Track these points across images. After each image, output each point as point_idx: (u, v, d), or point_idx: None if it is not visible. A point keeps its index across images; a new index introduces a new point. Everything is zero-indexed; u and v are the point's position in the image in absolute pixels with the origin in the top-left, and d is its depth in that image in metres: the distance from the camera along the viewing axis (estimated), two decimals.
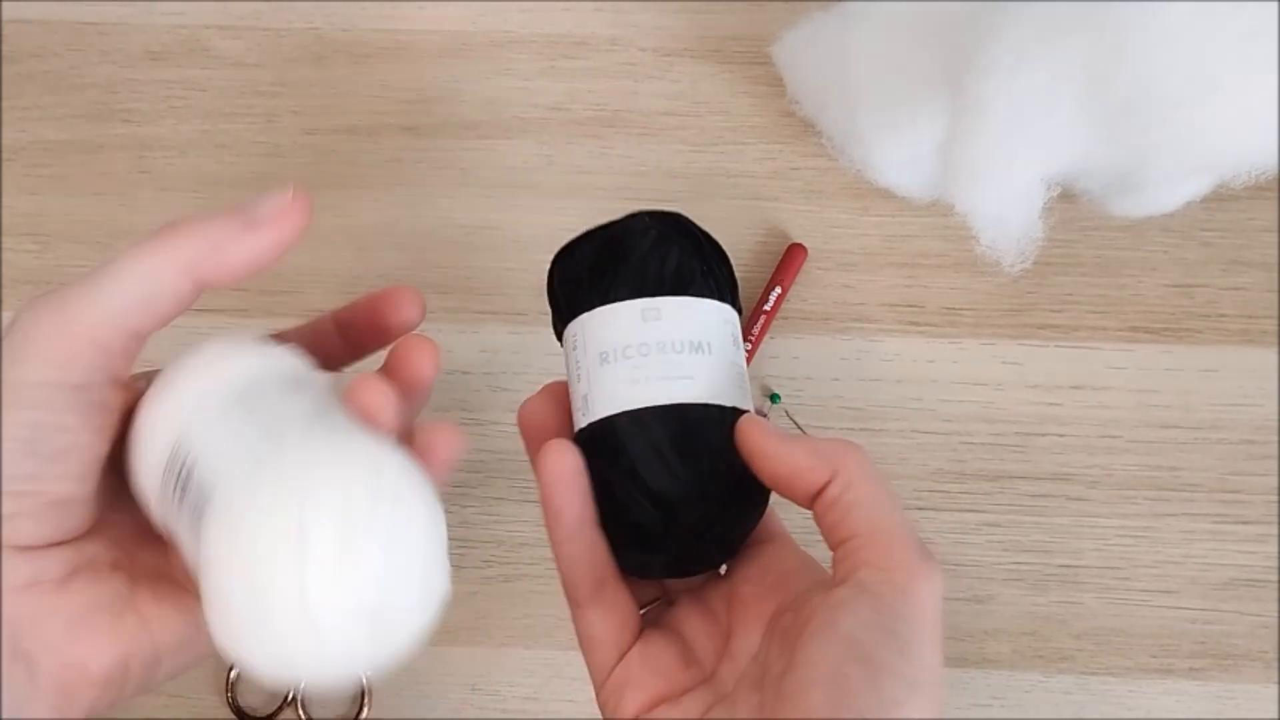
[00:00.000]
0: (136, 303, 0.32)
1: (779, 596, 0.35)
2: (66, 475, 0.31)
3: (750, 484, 0.36)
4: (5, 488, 0.30)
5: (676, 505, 0.35)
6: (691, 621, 0.37)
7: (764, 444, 0.35)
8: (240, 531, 0.27)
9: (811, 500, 0.34)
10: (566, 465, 0.34)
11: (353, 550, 0.26)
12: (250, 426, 0.30)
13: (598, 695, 0.37)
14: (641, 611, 0.38)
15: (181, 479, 0.30)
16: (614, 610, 0.36)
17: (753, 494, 0.37)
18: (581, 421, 0.37)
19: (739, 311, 0.40)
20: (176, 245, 0.32)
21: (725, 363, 0.37)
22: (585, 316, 0.37)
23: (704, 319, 0.37)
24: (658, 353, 0.36)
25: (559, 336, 0.39)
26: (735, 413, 0.36)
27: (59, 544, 0.31)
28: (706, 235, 0.40)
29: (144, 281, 0.32)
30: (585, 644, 0.37)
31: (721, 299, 0.38)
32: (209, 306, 0.53)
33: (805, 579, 0.36)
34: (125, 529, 0.34)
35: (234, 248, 0.33)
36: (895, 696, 0.30)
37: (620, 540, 0.36)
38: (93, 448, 0.31)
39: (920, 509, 0.51)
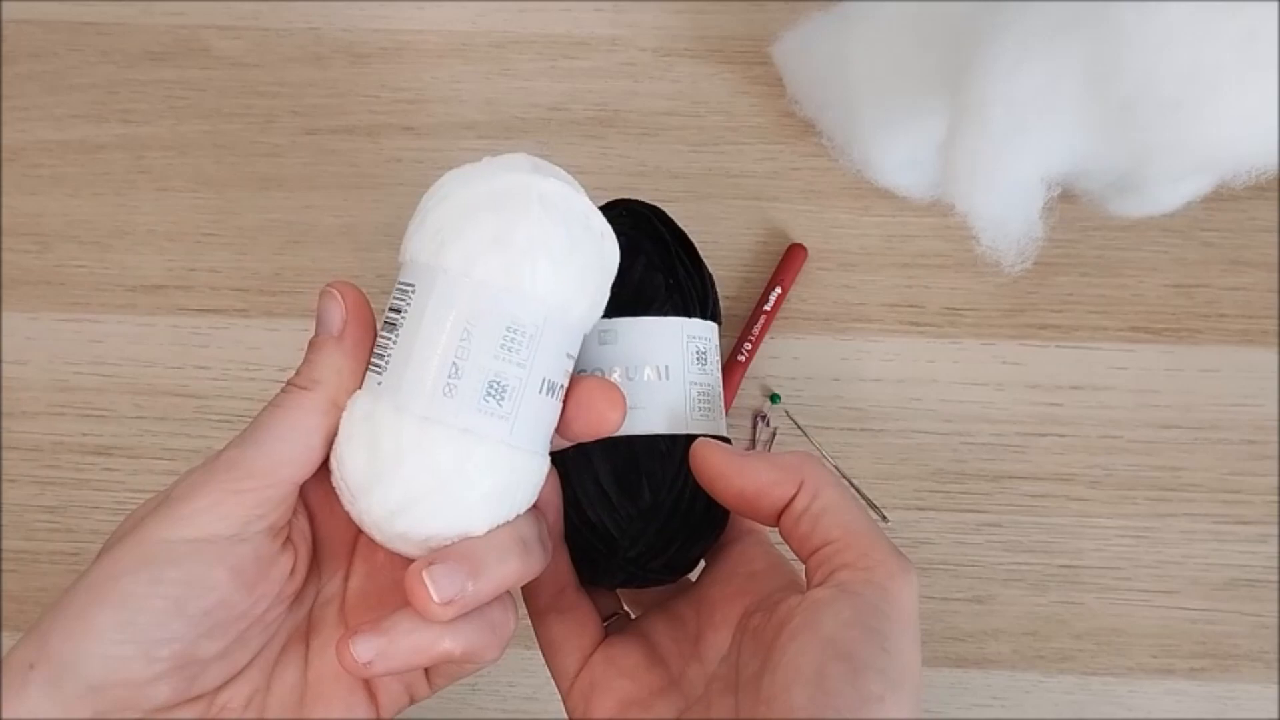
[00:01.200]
0: (300, 454, 0.32)
1: (747, 598, 0.35)
2: (209, 636, 0.31)
3: (701, 511, 0.36)
4: (147, 652, 0.30)
5: (616, 540, 0.35)
6: (657, 626, 0.37)
7: (723, 465, 0.34)
8: None
9: (777, 515, 0.34)
10: (548, 487, 0.34)
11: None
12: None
13: (565, 703, 0.37)
14: (604, 623, 0.38)
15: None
16: (574, 614, 0.37)
17: (703, 521, 0.36)
18: None
19: (716, 319, 0.39)
20: (321, 387, 0.32)
21: (682, 385, 0.36)
22: None
23: (662, 341, 0.36)
24: (609, 378, 0.36)
25: None
26: (689, 440, 0.35)
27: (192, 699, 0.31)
28: (681, 239, 0.39)
29: (302, 434, 0.32)
30: (547, 650, 0.37)
31: (688, 313, 0.37)
32: (209, 306, 0.53)
33: (774, 579, 0.36)
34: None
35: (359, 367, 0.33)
36: (877, 692, 0.29)
37: (573, 557, 0.37)
38: (238, 605, 0.31)
39: (920, 509, 0.51)
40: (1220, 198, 0.49)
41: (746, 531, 0.38)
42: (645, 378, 0.36)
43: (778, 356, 0.52)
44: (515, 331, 0.31)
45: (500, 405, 0.31)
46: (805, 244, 0.52)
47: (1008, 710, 0.49)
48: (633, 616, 0.40)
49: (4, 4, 0.57)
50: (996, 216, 0.47)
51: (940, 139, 0.47)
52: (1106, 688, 0.49)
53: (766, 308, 0.51)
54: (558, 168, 0.34)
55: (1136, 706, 0.49)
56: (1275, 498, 0.50)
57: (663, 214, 0.39)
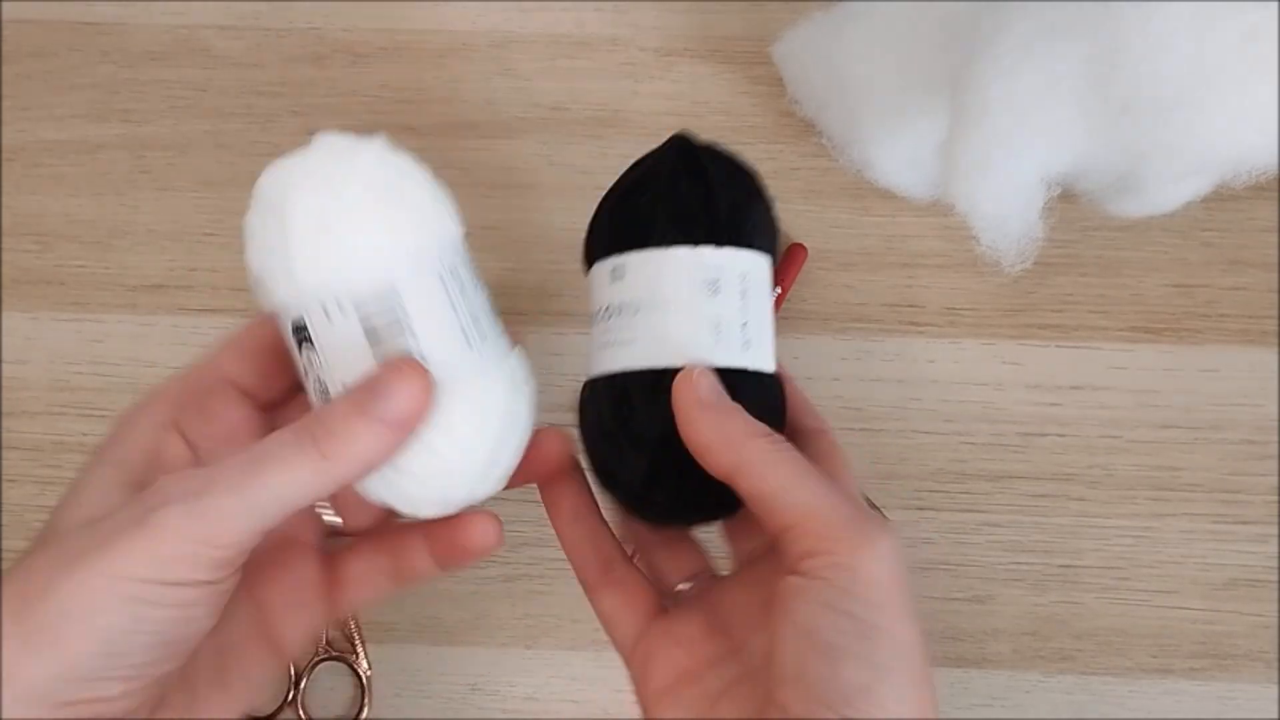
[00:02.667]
0: (277, 510, 0.30)
1: None
2: (160, 660, 0.30)
3: None
4: (125, 676, 0.29)
5: (613, 474, 0.36)
6: (735, 589, 0.36)
7: (686, 411, 0.33)
8: None
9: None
10: (553, 458, 0.35)
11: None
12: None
13: (628, 668, 0.37)
14: (687, 584, 0.38)
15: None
16: (623, 589, 0.37)
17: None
18: None
19: (748, 246, 0.36)
20: (315, 449, 0.30)
21: (686, 317, 0.34)
22: (588, 275, 0.38)
23: (664, 273, 0.35)
24: (616, 315, 0.36)
25: None
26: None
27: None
28: (726, 165, 0.38)
29: (289, 488, 0.30)
30: (604, 622, 0.38)
31: (695, 242, 0.35)
32: (209, 306, 0.53)
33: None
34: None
35: (367, 448, 0.30)
36: (861, 682, 0.28)
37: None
38: (185, 636, 0.30)
39: (920, 509, 0.51)
40: (1220, 198, 0.49)
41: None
42: (646, 309, 0.35)
43: (777, 356, 0.52)
44: (452, 281, 0.33)
45: (481, 336, 0.33)
46: (805, 244, 0.52)
47: (1008, 710, 0.49)
48: (721, 574, 0.39)
49: (4, 4, 0.57)
50: (996, 216, 0.47)
51: (940, 139, 0.47)
52: (1106, 688, 0.49)
53: None
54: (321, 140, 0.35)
55: (1136, 706, 0.49)
56: (1275, 498, 0.50)
57: (700, 150, 0.38)
